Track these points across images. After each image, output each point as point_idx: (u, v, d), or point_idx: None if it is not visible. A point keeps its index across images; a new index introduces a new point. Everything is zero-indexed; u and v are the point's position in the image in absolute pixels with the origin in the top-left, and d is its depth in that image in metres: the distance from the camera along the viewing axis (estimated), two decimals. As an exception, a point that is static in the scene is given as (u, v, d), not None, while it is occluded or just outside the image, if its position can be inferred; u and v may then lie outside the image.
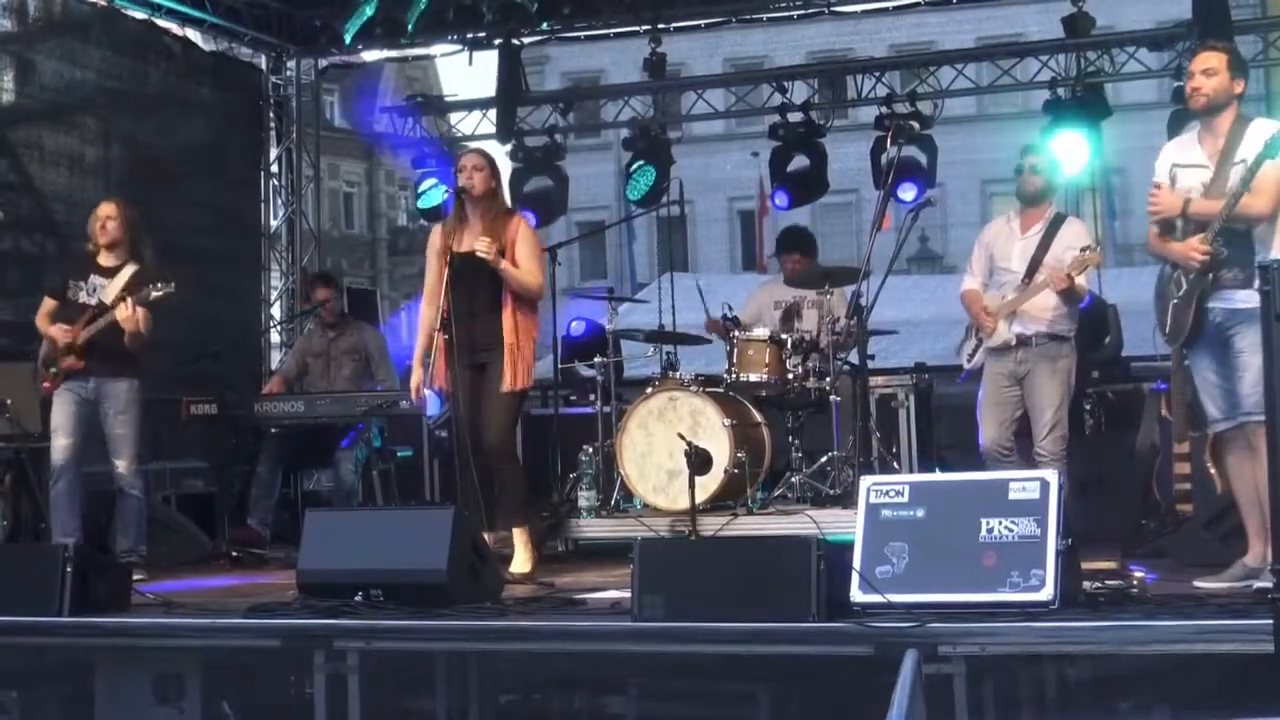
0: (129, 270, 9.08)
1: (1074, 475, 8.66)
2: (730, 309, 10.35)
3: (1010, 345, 8.60)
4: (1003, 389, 8.65)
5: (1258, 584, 6.47)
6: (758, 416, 9.73)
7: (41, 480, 9.58)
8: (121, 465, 9.05)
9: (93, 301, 9.03)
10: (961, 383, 9.10)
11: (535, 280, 8.40)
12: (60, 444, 9.00)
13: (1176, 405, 9.08)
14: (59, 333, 9.00)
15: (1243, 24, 13.88)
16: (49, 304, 9.23)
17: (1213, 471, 8.44)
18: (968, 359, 8.86)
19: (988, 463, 8.60)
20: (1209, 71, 6.89)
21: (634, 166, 14.60)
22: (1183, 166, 7.02)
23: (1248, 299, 6.60)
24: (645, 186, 14.52)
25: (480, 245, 8.23)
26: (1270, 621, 5.20)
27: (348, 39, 14.47)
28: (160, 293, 8.80)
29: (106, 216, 9.16)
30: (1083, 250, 8.43)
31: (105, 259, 9.17)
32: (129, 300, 8.80)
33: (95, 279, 9.11)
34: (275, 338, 15.30)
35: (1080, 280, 8.47)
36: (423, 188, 14.73)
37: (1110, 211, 30.29)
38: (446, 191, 8.78)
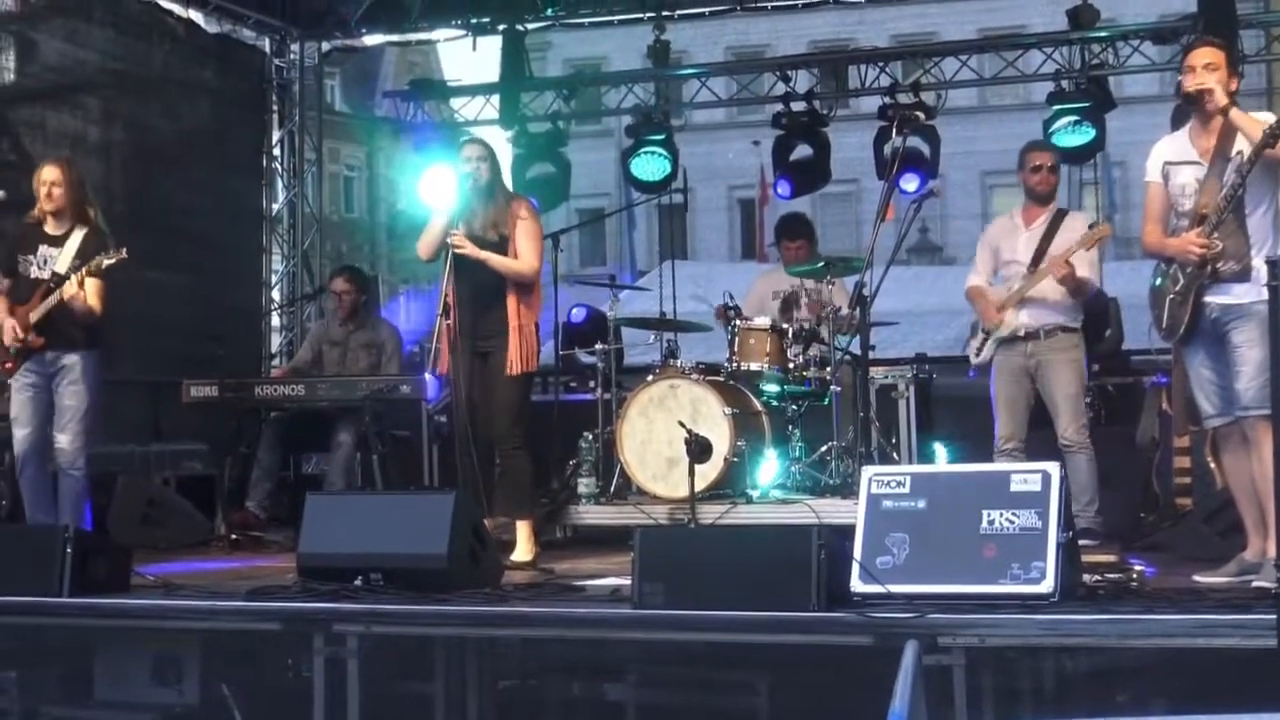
0: (78, 235, 8.70)
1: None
2: (731, 297, 10.37)
3: (1019, 336, 8.69)
4: (1015, 383, 8.76)
5: (1257, 580, 6.48)
6: (758, 405, 9.73)
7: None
8: (63, 440, 8.59)
9: (45, 274, 8.64)
10: (972, 378, 9.14)
11: (526, 266, 8.42)
12: (19, 434, 8.68)
13: (1177, 399, 9.09)
14: (8, 327, 8.59)
15: (1246, 18, 13.88)
16: (2, 283, 8.84)
17: (1213, 466, 8.45)
18: (975, 354, 8.92)
19: (999, 456, 8.62)
20: (1211, 66, 6.78)
21: (642, 150, 14.53)
22: (1175, 164, 6.97)
23: (1244, 293, 6.61)
24: (658, 174, 14.50)
25: (453, 239, 8.28)
26: (1273, 616, 5.19)
27: (352, 23, 14.49)
28: (112, 260, 8.43)
29: (51, 182, 8.68)
30: (1090, 227, 8.54)
31: (51, 226, 8.73)
32: (74, 278, 8.43)
33: (45, 249, 8.70)
34: (275, 321, 15.31)
35: (1083, 270, 8.54)
36: (425, 174, 14.68)
37: (1111, 205, 30.28)
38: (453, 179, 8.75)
